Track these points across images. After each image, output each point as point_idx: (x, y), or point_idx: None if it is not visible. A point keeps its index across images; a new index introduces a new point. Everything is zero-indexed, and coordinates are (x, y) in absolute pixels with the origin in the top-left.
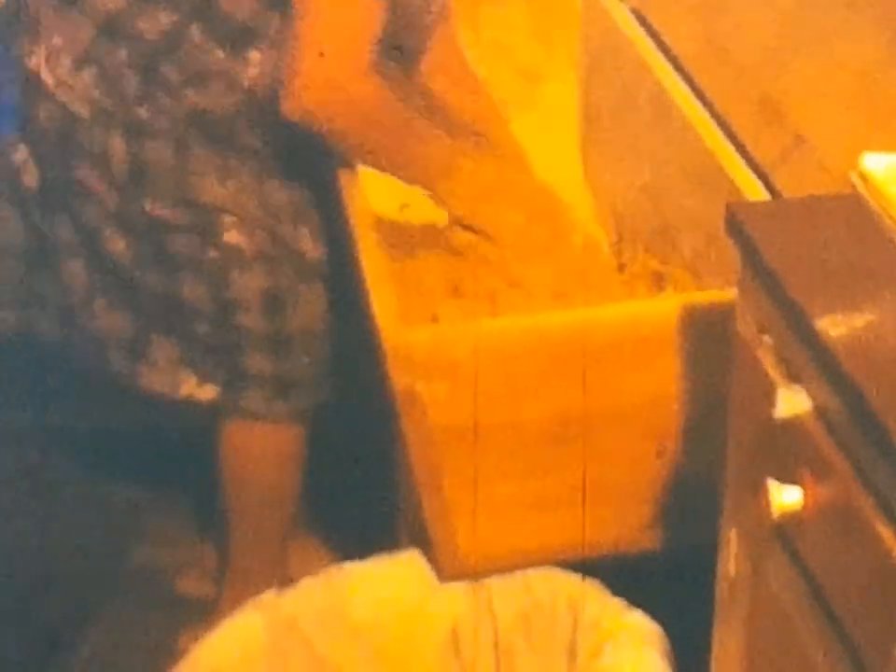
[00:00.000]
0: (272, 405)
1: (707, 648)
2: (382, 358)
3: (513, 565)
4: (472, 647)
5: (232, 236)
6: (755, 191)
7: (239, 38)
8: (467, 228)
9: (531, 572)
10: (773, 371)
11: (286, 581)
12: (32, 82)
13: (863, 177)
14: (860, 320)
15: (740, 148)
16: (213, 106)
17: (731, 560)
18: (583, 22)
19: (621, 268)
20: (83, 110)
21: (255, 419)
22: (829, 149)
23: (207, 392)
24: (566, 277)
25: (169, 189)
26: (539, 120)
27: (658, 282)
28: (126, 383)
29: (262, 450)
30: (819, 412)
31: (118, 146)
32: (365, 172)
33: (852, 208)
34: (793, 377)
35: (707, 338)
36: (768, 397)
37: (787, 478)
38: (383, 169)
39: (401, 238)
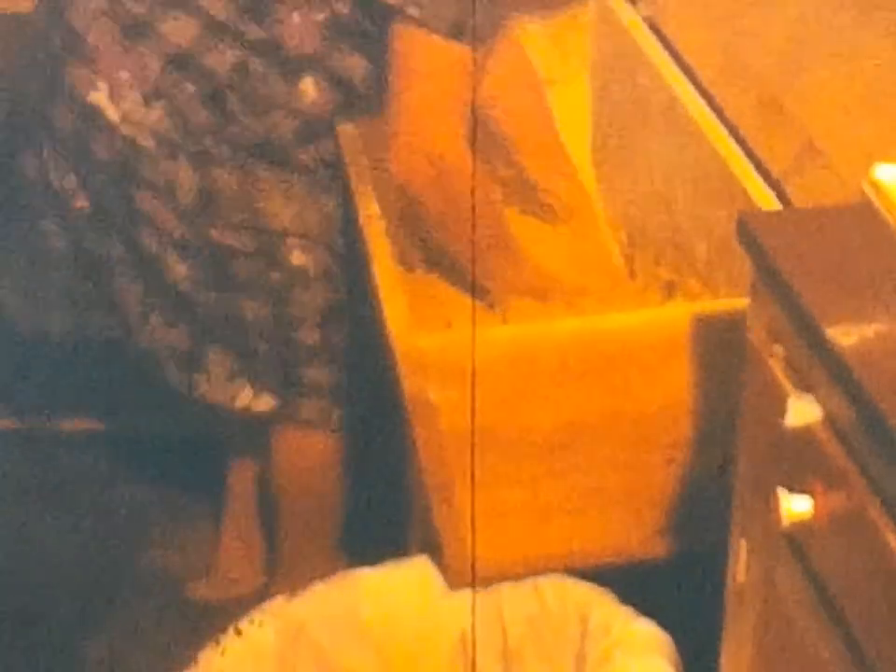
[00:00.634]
0: (328, 414)
1: (715, 656)
2: (393, 364)
3: (523, 572)
4: (481, 653)
5: (297, 257)
6: (767, 200)
7: (297, 68)
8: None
9: (540, 579)
10: (784, 380)
11: None
12: (89, 116)
13: (875, 187)
14: (871, 329)
15: (752, 157)
16: (274, 132)
17: (740, 568)
18: (596, 31)
19: (632, 276)
20: (149, 143)
21: (310, 428)
22: (841, 159)
23: (263, 403)
24: (578, 285)
25: (236, 215)
26: None
27: (669, 290)
28: (182, 393)
29: (316, 457)
30: (830, 421)
31: (184, 175)
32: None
33: (864, 218)
34: (804, 386)
35: (718, 346)
36: (779, 405)
37: (797, 487)
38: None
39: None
